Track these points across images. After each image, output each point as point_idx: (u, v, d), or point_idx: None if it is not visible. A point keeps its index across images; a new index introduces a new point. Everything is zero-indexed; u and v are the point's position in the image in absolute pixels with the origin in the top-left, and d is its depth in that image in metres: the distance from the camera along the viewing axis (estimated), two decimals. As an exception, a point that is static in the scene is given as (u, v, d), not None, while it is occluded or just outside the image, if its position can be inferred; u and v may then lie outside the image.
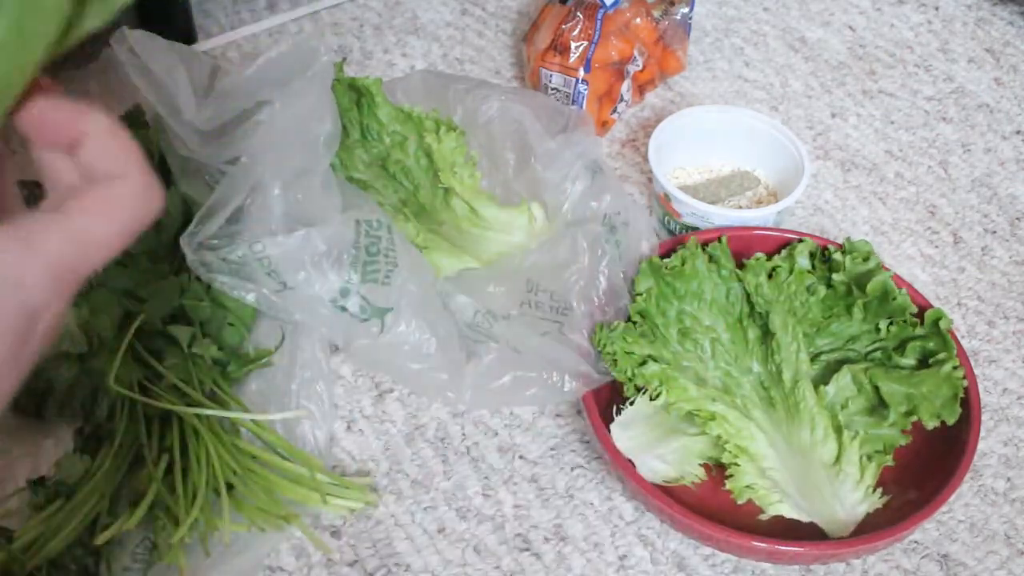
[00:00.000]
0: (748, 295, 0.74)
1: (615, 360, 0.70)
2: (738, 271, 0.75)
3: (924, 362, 0.71)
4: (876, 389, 0.69)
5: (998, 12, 1.09)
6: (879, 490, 0.67)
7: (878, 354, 0.72)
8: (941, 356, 0.69)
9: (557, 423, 0.76)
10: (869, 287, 0.73)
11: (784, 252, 0.77)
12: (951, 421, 0.67)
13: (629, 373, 0.70)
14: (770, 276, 0.75)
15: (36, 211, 0.36)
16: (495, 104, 0.81)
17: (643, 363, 0.70)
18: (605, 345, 0.71)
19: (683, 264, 0.74)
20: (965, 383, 0.68)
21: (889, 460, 0.69)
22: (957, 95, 1.01)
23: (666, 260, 0.75)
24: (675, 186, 0.83)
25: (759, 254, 0.76)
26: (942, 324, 0.71)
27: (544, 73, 0.94)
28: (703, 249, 0.76)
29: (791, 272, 0.75)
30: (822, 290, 0.74)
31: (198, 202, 0.71)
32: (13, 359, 0.33)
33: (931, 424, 0.67)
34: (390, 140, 0.79)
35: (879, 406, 0.69)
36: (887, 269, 0.76)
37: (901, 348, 0.71)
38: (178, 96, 0.73)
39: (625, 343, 0.71)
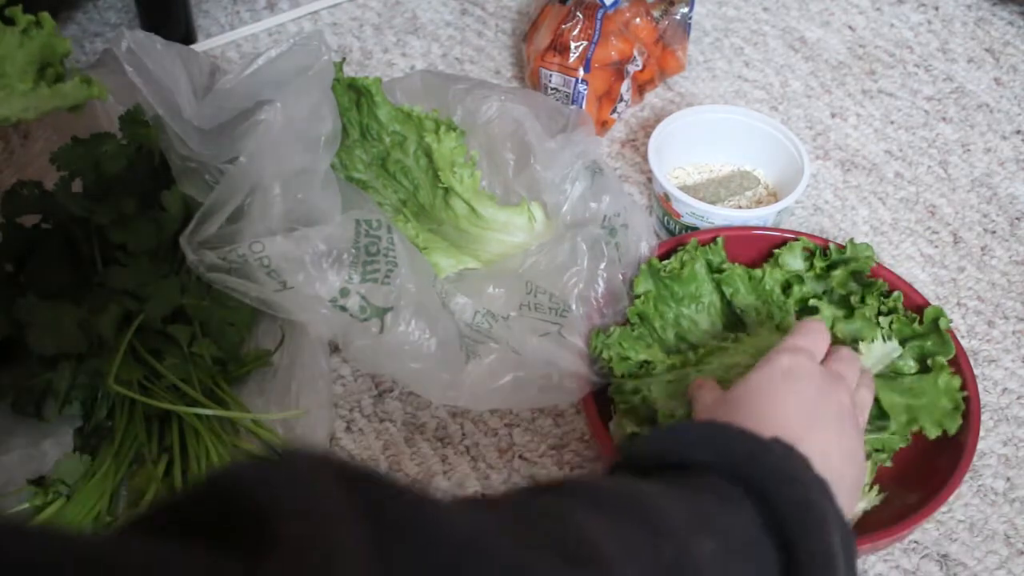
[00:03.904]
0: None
1: (611, 366, 0.71)
2: (719, 276, 0.75)
3: (924, 362, 0.71)
4: (876, 400, 0.69)
5: (998, 12, 1.09)
6: (875, 487, 0.68)
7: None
8: (939, 360, 0.69)
9: (556, 422, 0.76)
10: (867, 288, 0.73)
11: (770, 260, 0.77)
12: (953, 431, 0.67)
13: (626, 389, 0.70)
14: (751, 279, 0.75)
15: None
16: (495, 104, 0.81)
17: (640, 366, 0.71)
18: (601, 351, 0.71)
19: (682, 267, 0.74)
20: (964, 394, 0.68)
21: (885, 459, 0.69)
22: (957, 95, 1.01)
23: (665, 262, 0.75)
24: (675, 186, 0.83)
25: (731, 264, 0.76)
26: (941, 323, 0.71)
27: (544, 73, 0.94)
28: (704, 250, 0.76)
29: (770, 276, 0.74)
30: (802, 291, 0.74)
31: (198, 201, 0.71)
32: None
33: (934, 433, 0.67)
34: (390, 140, 0.79)
35: (880, 416, 0.69)
36: (887, 269, 0.76)
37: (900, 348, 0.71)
38: (178, 96, 0.73)
39: (621, 348, 0.71)
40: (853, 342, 0.72)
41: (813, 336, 0.61)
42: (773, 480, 0.44)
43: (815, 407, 0.55)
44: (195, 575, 0.26)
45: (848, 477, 0.54)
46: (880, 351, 0.70)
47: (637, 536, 0.38)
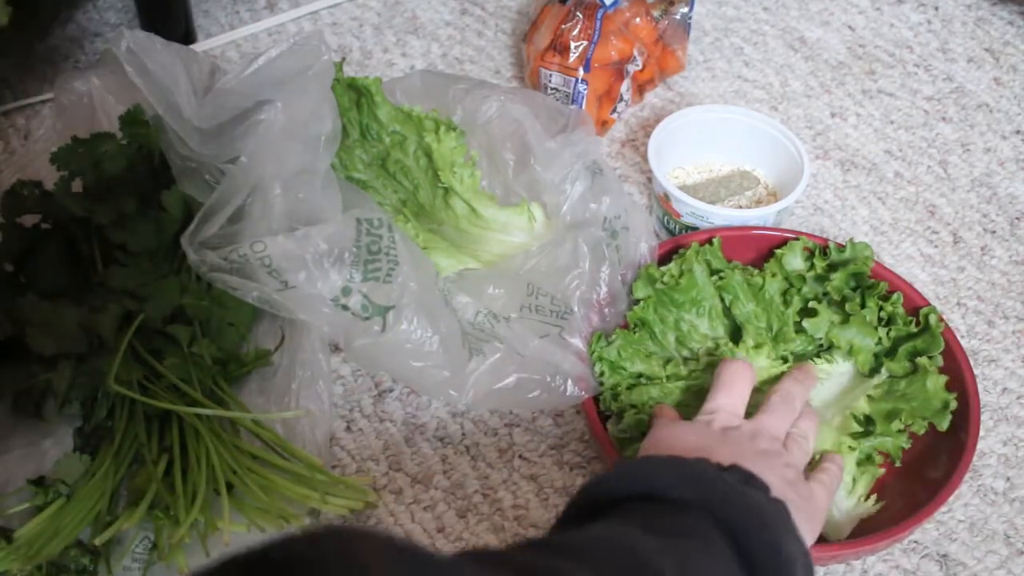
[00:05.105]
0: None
1: (602, 380, 0.71)
2: (719, 281, 0.74)
3: (915, 361, 0.71)
4: (866, 412, 0.69)
5: (998, 12, 1.09)
6: (873, 496, 0.68)
7: (876, 357, 0.72)
8: (923, 361, 0.69)
9: (556, 422, 0.76)
10: (868, 291, 0.73)
11: (772, 260, 0.76)
12: (943, 427, 0.67)
13: (614, 399, 0.70)
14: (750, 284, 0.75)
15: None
16: (495, 104, 0.81)
17: (633, 382, 0.71)
18: (601, 356, 0.71)
19: (680, 276, 0.73)
20: (953, 395, 0.68)
21: (878, 471, 0.69)
22: (957, 95, 1.01)
23: (664, 268, 0.74)
24: (675, 186, 0.83)
25: (730, 270, 0.75)
26: (931, 319, 0.71)
27: (544, 73, 0.94)
28: (704, 250, 0.75)
29: (770, 284, 0.74)
30: (801, 297, 0.74)
31: (198, 201, 0.71)
32: None
33: (921, 428, 0.68)
34: (390, 140, 0.79)
35: (867, 422, 0.69)
36: (887, 269, 0.76)
37: (893, 351, 0.71)
38: (178, 96, 0.73)
39: (619, 357, 0.71)
40: (849, 348, 0.72)
41: (730, 388, 0.63)
42: (748, 527, 0.47)
43: (759, 461, 0.57)
44: None
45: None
46: (828, 391, 0.70)
47: None
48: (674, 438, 0.60)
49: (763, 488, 0.51)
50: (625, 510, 0.48)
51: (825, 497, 0.61)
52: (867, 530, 0.66)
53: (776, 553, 0.46)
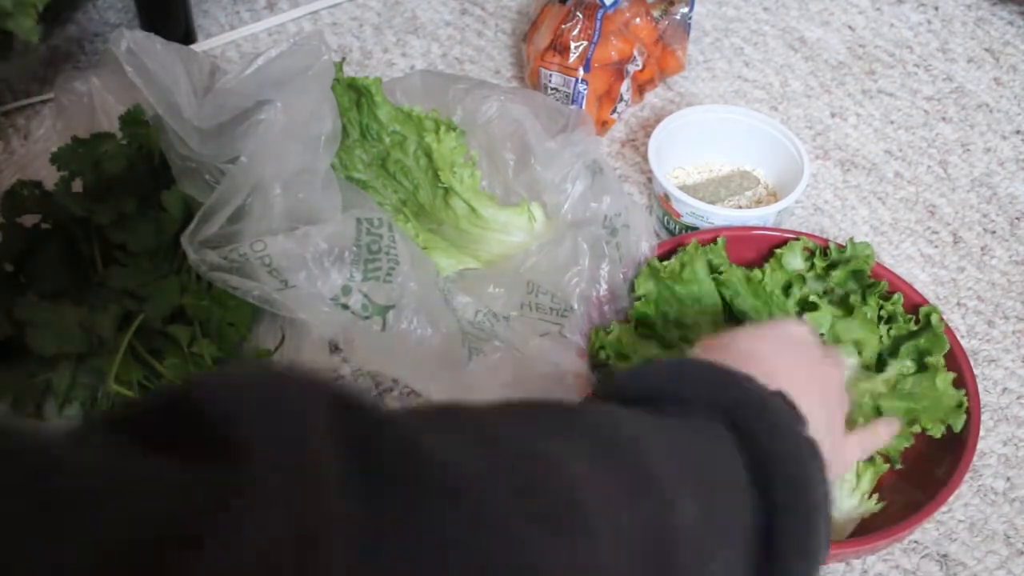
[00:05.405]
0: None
1: (607, 363, 0.70)
2: (718, 279, 0.74)
3: (920, 361, 0.71)
4: (876, 409, 0.69)
5: (998, 12, 1.09)
6: (875, 495, 0.68)
7: (877, 358, 0.72)
8: (932, 360, 0.69)
9: (557, 423, 0.76)
10: (868, 290, 0.73)
11: (771, 260, 0.76)
12: (958, 427, 0.67)
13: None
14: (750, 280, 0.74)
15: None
16: (495, 104, 0.81)
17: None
18: (603, 347, 0.71)
19: (682, 269, 0.73)
20: (964, 392, 0.68)
21: (886, 468, 0.69)
22: (957, 95, 1.01)
23: (666, 263, 0.75)
24: (675, 186, 0.83)
25: (731, 266, 0.75)
26: (933, 319, 0.71)
27: (544, 73, 0.94)
28: (704, 249, 0.75)
29: (770, 278, 0.74)
30: (803, 292, 0.74)
31: (198, 201, 0.71)
32: None
33: (938, 431, 0.67)
34: (390, 140, 0.79)
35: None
36: (887, 269, 0.76)
37: (895, 350, 0.71)
38: (178, 96, 0.73)
39: (620, 346, 0.71)
40: (852, 343, 0.72)
41: (812, 329, 0.61)
42: (774, 448, 0.43)
43: (812, 381, 0.53)
44: (162, 484, 0.24)
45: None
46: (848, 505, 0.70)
47: (624, 496, 0.37)
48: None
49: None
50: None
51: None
52: (867, 530, 0.66)
53: (808, 490, 0.43)
